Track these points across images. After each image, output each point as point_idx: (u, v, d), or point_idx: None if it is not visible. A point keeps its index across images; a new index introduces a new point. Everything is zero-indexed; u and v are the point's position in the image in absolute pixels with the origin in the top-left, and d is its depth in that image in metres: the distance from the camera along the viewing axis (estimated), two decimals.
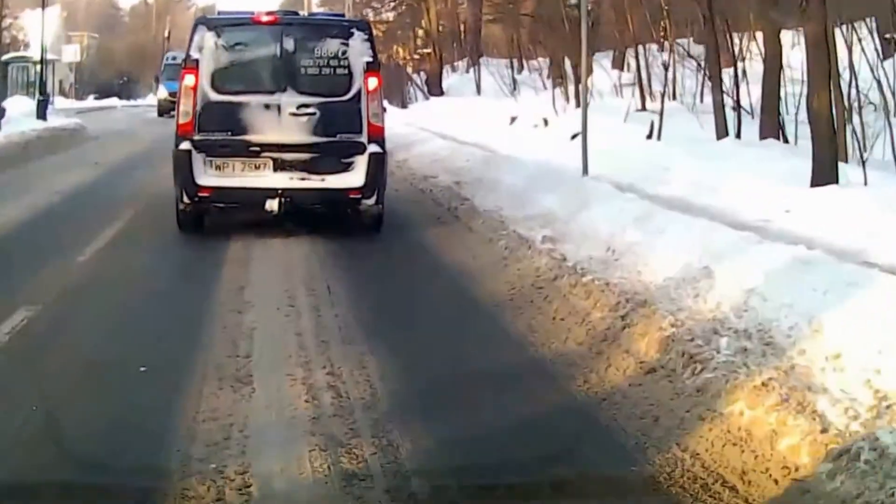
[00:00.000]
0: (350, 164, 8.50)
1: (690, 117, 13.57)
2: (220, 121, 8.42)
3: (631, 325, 4.64)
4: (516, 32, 25.55)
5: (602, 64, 19.95)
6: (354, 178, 8.47)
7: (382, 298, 5.97)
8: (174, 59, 31.38)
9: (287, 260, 7.26)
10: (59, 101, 36.80)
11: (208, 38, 8.53)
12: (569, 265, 5.93)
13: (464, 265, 7.00)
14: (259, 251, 7.60)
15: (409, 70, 29.94)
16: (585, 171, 9.71)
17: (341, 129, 8.52)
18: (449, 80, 28.49)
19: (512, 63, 24.40)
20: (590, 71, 17.83)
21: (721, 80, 12.01)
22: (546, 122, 15.91)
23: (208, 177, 8.38)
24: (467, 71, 28.90)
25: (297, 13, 11.20)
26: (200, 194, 8.36)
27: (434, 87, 27.39)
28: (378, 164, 8.56)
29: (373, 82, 8.58)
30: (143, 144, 18.26)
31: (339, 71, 8.57)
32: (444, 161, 12.98)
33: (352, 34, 8.68)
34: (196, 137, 8.37)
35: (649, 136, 12.48)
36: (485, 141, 15.34)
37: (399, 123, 19.97)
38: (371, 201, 8.57)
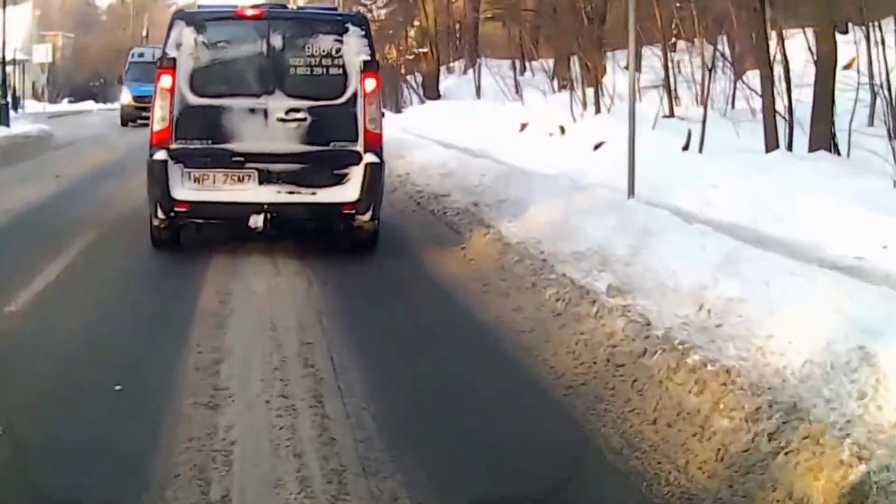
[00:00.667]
0: (344, 175, 7.76)
1: (724, 124, 12.11)
2: (199, 127, 7.71)
3: (787, 449, 3.13)
4: (518, 30, 24.33)
5: (616, 64, 18.19)
6: (349, 191, 7.75)
7: (407, 378, 4.47)
8: (140, 55, 27.87)
9: (276, 310, 5.83)
10: (30, 105, 35.31)
11: (187, 35, 7.74)
12: (658, 334, 4.40)
13: (505, 323, 5.46)
14: (241, 295, 6.24)
15: (402, 71, 28.66)
16: (631, 192, 8.25)
17: (335, 136, 7.79)
18: (446, 82, 27.51)
19: (514, 64, 23.24)
20: (603, 72, 16.54)
21: (772, 82, 10.54)
22: (563, 129, 14.29)
23: (186, 190, 7.68)
24: (464, 72, 27.94)
25: (285, 6, 10.15)
26: (177, 209, 7.69)
27: (431, 90, 26.28)
28: (375, 176, 7.78)
29: (370, 84, 7.84)
30: (116, 153, 16.85)
31: (332, 71, 7.80)
32: (454, 176, 11.39)
33: (347, 30, 7.88)
34: (173, 146, 7.67)
35: (685, 147, 10.99)
36: (494, 151, 13.88)
37: (395, 129, 18.75)
38: (366, 217, 7.81)
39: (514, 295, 6.09)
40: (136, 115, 25.37)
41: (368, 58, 7.86)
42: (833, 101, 10.16)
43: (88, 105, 47.79)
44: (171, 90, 7.62)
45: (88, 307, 5.87)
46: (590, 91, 16.35)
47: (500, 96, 21.87)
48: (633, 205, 7.67)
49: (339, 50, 7.79)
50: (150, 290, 6.69)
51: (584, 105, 15.24)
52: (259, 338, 5.14)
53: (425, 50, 27.18)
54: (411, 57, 29.22)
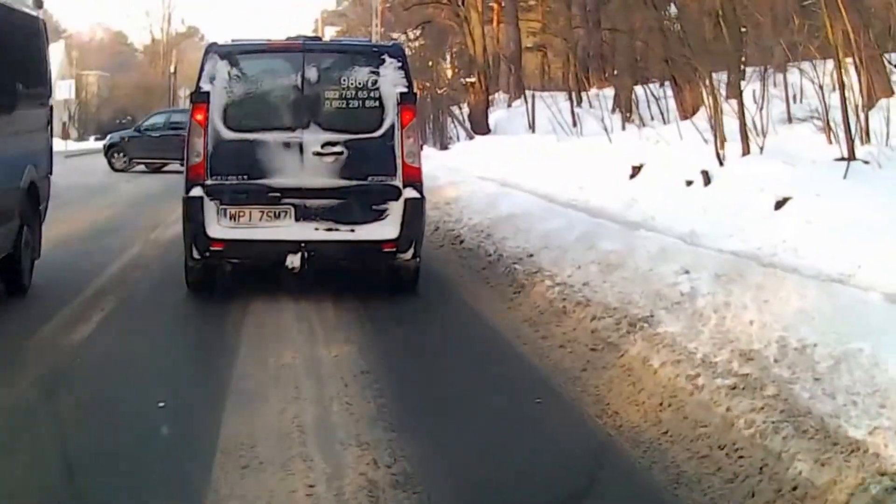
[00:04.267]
0: (383, 211, 8.37)
1: None
2: (234, 162, 8.36)
3: None
4: (573, 55, 24.70)
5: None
6: (388, 228, 8.36)
7: None
8: None
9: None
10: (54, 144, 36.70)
11: (221, 68, 8.45)
12: None
13: None
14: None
15: (448, 103, 28.47)
16: None
17: (372, 170, 8.41)
18: (494, 115, 27.49)
19: (570, 94, 23.54)
20: (700, 99, 14.54)
21: None
22: (708, 177, 11.37)
23: (222, 228, 8.27)
24: (509, 105, 28.16)
25: (319, 38, 11.03)
26: (213, 248, 8.27)
27: (479, 124, 26.31)
28: (415, 212, 8.42)
29: (408, 116, 8.45)
30: (109, 211, 15.47)
31: (368, 104, 8.46)
32: (623, 266, 7.71)
33: (383, 61, 8.56)
34: (208, 182, 8.29)
35: None
36: (615, 205, 11.57)
37: (448, 170, 17.66)
38: (407, 255, 8.42)
39: None
40: None
41: (406, 90, 8.47)
42: None
43: None
44: (205, 125, 8.28)
45: None
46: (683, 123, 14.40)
47: (555, 130, 21.26)
48: None
49: (375, 82, 8.42)
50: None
51: (722, 143, 12.07)
52: None
53: (473, 80, 27.16)
54: (442, 90, 29.06)
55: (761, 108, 12.08)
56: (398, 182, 8.37)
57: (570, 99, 23.27)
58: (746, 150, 11.66)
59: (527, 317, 7.61)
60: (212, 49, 8.68)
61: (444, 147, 26.01)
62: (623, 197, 12.16)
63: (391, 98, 8.41)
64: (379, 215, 8.33)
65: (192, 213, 8.26)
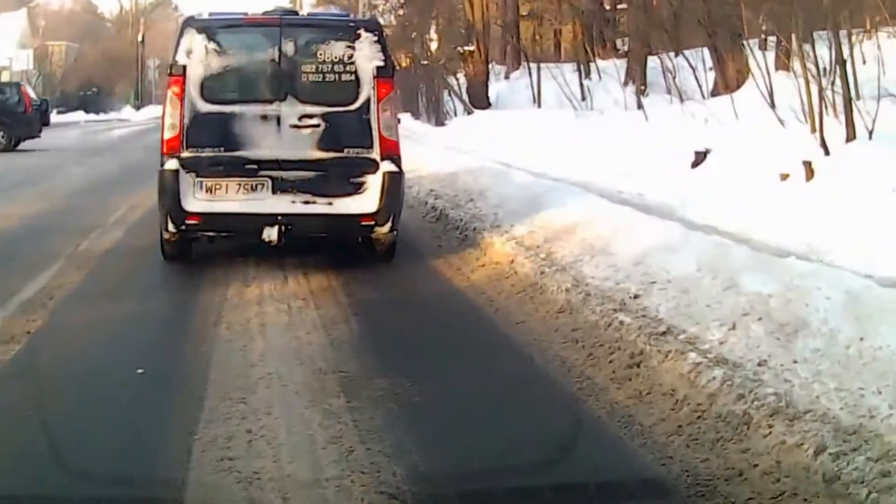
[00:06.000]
0: (361, 184, 9.19)
1: None
2: (211, 134, 9.09)
3: None
4: (579, 22, 24.81)
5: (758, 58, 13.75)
6: (367, 201, 9.15)
7: None
8: None
9: None
10: None
11: (197, 42, 9.27)
12: None
13: None
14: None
15: (443, 74, 28.42)
16: None
17: (349, 142, 9.25)
18: (495, 87, 27.72)
19: (579, 66, 23.97)
20: (747, 70, 14.30)
21: None
22: (811, 169, 10.07)
23: (198, 201, 9.02)
24: (506, 76, 28.46)
25: (296, 13, 11.80)
26: (188, 221, 9.02)
27: (478, 97, 26.59)
28: (393, 186, 9.23)
29: (384, 90, 9.25)
30: (39, 204, 14.01)
31: (344, 77, 9.32)
32: (861, 360, 4.84)
33: (359, 36, 9.42)
34: (184, 154, 9.04)
35: None
36: (677, 202, 10.58)
37: (455, 152, 16.77)
38: (385, 229, 9.27)
39: None
40: None
41: (382, 63, 9.24)
42: None
43: (77, 116, 49.92)
44: (181, 97, 8.98)
45: None
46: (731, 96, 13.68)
47: (562, 104, 21.89)
48: None
49: (351, 56, 9.25)
50: None
51: (815, 125, 10.66)
52: None
53: (471, 48, 27.16)
54: (427, 63, 28.95)
55: (833, 83, 10.72)
56: (376, 155, 9.17)
57: (579, 70, 23.68)
58: (852, 135, 10.13)
59: (670, 422, 4.79)
60: (189, 23, 9.46)
61: (440, 123, 26.25)
62: (688, 192, 10.80)
63: (367, 72, 9.24)
64: (357, 188, 9.14)
65: (168, 186, 8.96)
